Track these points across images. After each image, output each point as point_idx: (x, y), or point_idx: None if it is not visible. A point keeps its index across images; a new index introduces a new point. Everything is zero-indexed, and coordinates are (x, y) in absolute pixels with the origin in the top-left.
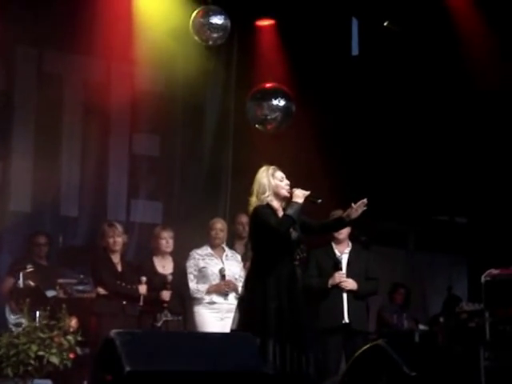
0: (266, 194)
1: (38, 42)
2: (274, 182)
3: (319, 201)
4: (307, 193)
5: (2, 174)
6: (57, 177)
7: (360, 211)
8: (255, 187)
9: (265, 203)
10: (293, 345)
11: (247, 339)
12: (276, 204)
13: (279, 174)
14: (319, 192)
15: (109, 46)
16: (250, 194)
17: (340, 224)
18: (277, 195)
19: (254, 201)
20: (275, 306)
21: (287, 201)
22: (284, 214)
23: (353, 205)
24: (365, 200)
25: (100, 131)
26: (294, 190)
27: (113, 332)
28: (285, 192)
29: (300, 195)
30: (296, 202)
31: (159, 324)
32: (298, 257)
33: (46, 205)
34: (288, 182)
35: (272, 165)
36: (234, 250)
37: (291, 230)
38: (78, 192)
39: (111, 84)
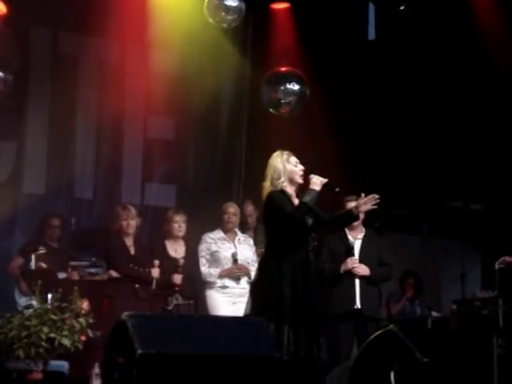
0: (282, 179)
1: (52, 23)
2: (289, 167)
3: (337, 189)
4: (325, 180)
5: (16, 156)
6: (71, 159)
7: (369, 205)
8: (269, 172)
9: (279, 188)
10: (306, 330)
11: (260, 324)
12: (290, 190)
13: (294, 160)
14: (333, 178)
15: (123, 28)
16: (263, 178)
17: (350, 218)
18: (291, 181)
19: (267, 186)
20: (290, 291)
21: (300, 187)
22: (300, 201)
23: (363, 195)
24: (376, 195)
25: (115, 114)
26: (312, 176)
27: (125, 314)
28: (299, 178)
29: (318, 182)
30: (313, 190)
31: (170, 307)
32: (309, 245)
33: (60, 187)
34: (302, 168)
35: (286, 150)
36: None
37: (307, 216)
38: (93, 174)
39: (126, 66)
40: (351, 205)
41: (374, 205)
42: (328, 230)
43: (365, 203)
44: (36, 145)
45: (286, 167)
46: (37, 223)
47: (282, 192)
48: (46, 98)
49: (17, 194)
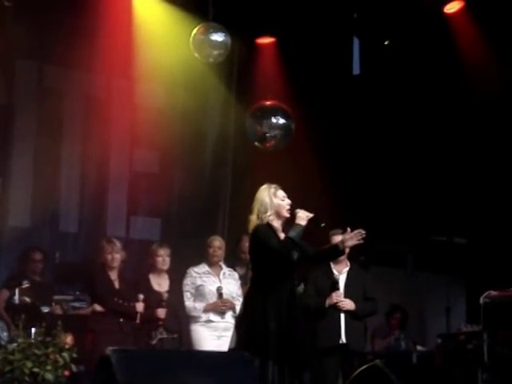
0: (268, 213)
1: (38, 56)
2: (275, 201)
3: (323, 225)
4: (311, 215)
5: (1, 189)
6: (56, 192)
7: (355, 240)
8: (256, 205)
9: (265, 222)
10: (291, 365)
11: (245, 359)
12: (276, 223)
13: (281, 194)
14: (318, 211)
15: (109, 61)
16: (250, 211)
17: (335, 252)
18: (278, 215)
19: (254, 219)
20: (275, 326)
21: (287, 221)
22: (286, 236)
23: (349, 230)
24: (362, 231)
25: (100, 147)
26: (298, 211)
27: (109, 349)
28: (286, 212)
29: (303, 217)
30: (299, 225)
31: (154, 342)
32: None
33: (44, 220)
34: (289, 202)
35: (272, 183)
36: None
37: (292, 251)
38: (78, 208)
39: (111, 100)
40: (337, 239)
41: (360, 240)
42: (313, 264)
43: (351, 238)
44: (21, 178)
45: (272, 201)
46: (19, 256)
47: (269, 226)
48: (31, 131)
49: (1, 226)
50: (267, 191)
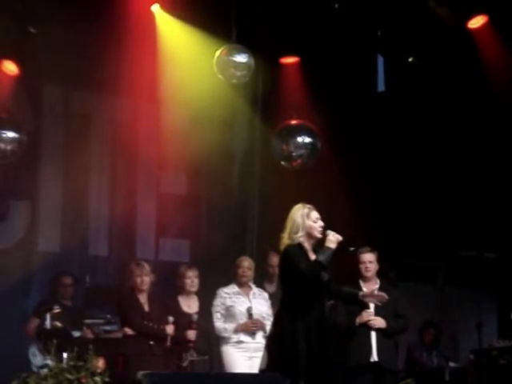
0: (299, 234)
1: (64, 82)
2: (308, 222)
3: (352, 249)
4: (341, 238)
5: (30, 215)
6: (85, 217)
7: (375, 300)
8: (288, 225)
9: (296, 242)
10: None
11: (276, 380)
12: (307, 244)
13: (314, 215)
14: (346, 228)
15: (135, 85)
16: (282, 229)
17: (352, 301)
18: (309, 236)
19: (285, 238)
20: (305, 347)
21: (318, 241)
22: (315, 260)
23: (376, 289)
24: (385, 296)
25: (128, 170)
26: (328, 233)
27: (140, 373)
28: (318, 234)
29: (334, 240)
30: (329, 248)
31: (185, 364)
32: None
33: (74, 245)
34: (322, 224)
35: (297, 202)
36: (263, 289)
37: (323, 273)
38: (107, 231)
39: (138, 123)
40: (365, 257)
41: (379, 303)
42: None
43: (371, 297)
44: (50, 203)
45: (305, 222)
46: (50, 281)
47: (300, 246)
48: (59, 157)
49: (32, 252)
50: (301, 211)
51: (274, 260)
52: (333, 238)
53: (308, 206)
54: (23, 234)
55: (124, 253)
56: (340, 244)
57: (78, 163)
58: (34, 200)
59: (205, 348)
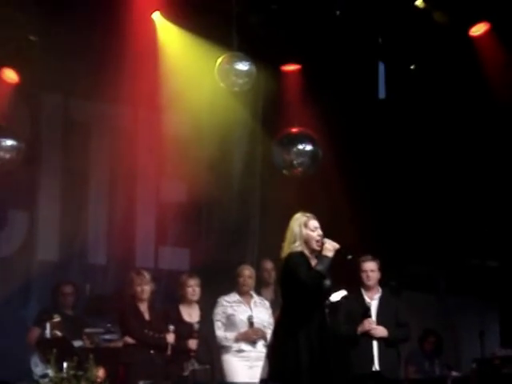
0: (296, 243)
1: (63, 90)
2: (305, 231)
3: (349, 257)
4: (337, 246)
5: (29, 223)
6: (84, 225)
7: None
8: (288, 234)
9: (297, 251)
10: None
11: None
12: (307, 253)
13: (312, 224)
14: (347, 236)
15: (135, 93)
16: (283, 239)
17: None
18: (307, 245)
19: (285, 247)
20: (307, 357)
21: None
22: (314, 270)
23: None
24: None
25: (127, 178)
26: (325, 241)
27: (141, 383)
28: (315, 244)
29: (330, 248)
30: (326, 256)
31: (186, 373)
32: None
33: (73, 253)
34: (321, 233)
35: (298, 211)
36: (262, 296)
37: (324, 280)
38: (106, 240)
39: (138, 131)
40: (366, 266)
41: None
42: None
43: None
44: (48, 212)
45: (302, 231)
46: (51, 290)
47: (302, 254)
48: (57, 165)
49: (30, 261)
50: (299, 221)
51: (268, 265)
52: (329, 246)
53: (307, 214)
54: (22, 242)
55: (123, 261)
56: (337, 252)
57: (77, 171)
58: (32, 209)
59: (206, 357)
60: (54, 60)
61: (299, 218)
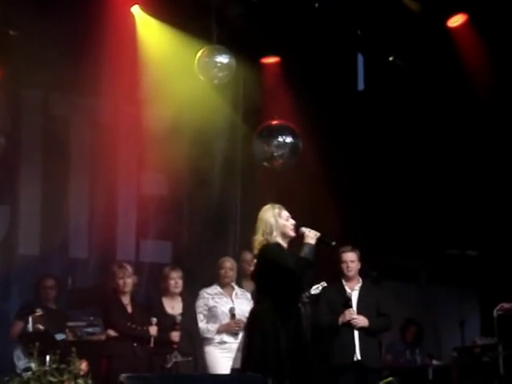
0: (274, 234)
1: (43, 84)
2: (280, 221)
3: (333, 243)
4: (318, 234)
5: (10, 218)
6: (65, 219)
7: None
8: (261, 226)
9: (274, 242)
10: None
11: (258, 381)
12: (283, 243)
13: (285, 214)
14: (329, 228)
15: (115, 87)
16: (254, 232)
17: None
18: (283, 235)
19: (260, 240)
20: (287, 346)
21: (291, 241)
22: (300, 257)
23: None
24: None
25: (108, 172)
26: (304, 230)
27: (123, 376)
28: (291, 232)
29: (312, 236)
30: (309, 244)
31: (169, 365)
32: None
33: (54, 247)
34: (293, 222)
35: (279, 202)
36: (243, 288)
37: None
38: (88, 233)
39: (118, 125)
40: (347, 256)
41: None
42: None
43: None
44: (29, 206)
45: (278, 221)
46: (32, 284)
47: (280, 245)
48: (38, 159)
49: (12, 255)
50: (271, 211)
51: (249, 256)
52: (311, 234)
53: (277, 205)
54: (3, 237)
55: (104, 255)
56: (319, 239)
57: (57, 166)
58: (13, 203)
59: (189, 349)
60: (34, 54)
61: (272, 209)
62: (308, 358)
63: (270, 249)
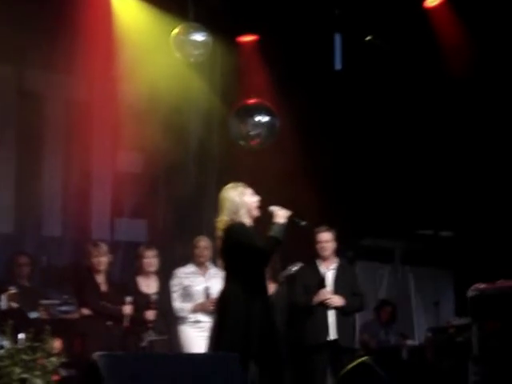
0: (240, 212)
1: (17, 60)
2: (246, 199)
3: (303, 223)
4: (289, 213)
5: None
6: (39, 196)
7: None
8: (226, 205)
9: (238, 221)
10: (272, 365)
11: (233, 360)
12: (248, 223)
13: (249, 192)
14: (303, 208)
15: (90, 63)
16: (218, 212)
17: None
18: (249, 213)
19: (225, 220)
20: (257, 326)
21: (257, 219)
22: (270, 236)
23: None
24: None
25: (82, 149)
26: (273, 209)
27: (96, 355)
28: (255, 210)
29: (282, 215)
30: (279, 223)
31: (144, 344)
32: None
33: (28, 226)
34: (258, 198)
35: (255, 182)
36: (218, 267)
37: None
38: (62, 212)
39: (93, 102)
40: (321, 236)
41: None
42: None
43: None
44: (2, 184)
45: (243, 200)
46: (5, 263)
47: (244, 224)
48: (11, 136)
49: None
50: (237, 190)
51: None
52: (280, 213)
53: (240, 183)
54: None
55: (79, 233)
56: (290, 219)
57: (31, 143)
58: None
59: (164, 328)
60: (5, 30)
61: (236, 188)
62: (276, 338)
63: (236, 228)
